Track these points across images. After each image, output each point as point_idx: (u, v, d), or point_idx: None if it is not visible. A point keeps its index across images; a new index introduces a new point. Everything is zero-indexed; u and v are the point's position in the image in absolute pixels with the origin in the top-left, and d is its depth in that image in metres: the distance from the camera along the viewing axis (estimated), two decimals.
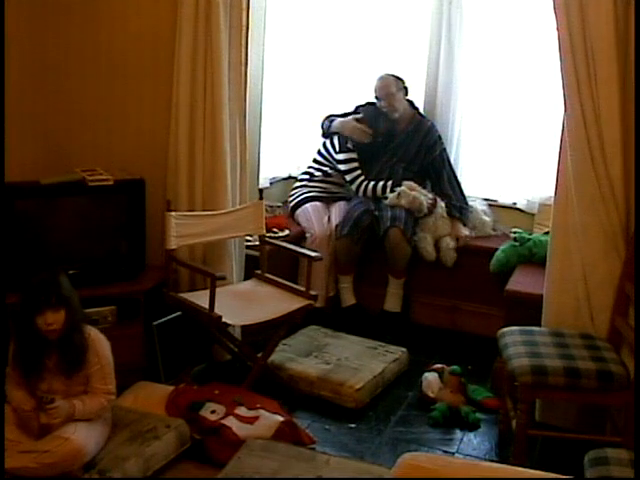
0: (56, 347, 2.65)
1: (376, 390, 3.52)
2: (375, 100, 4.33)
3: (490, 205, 4.39)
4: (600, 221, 2.95)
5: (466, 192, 4.35)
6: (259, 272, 3.68)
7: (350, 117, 4.37)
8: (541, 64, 4.04)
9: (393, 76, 4.29)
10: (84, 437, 2.59)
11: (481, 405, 3.41)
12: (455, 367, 3.50)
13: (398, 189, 4.18)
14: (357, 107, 4.45)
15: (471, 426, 3.27)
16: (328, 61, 4.68)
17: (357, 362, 3.61)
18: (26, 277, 2.70)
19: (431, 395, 3.46)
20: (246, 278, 3.74)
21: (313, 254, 3.61)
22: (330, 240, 4.26)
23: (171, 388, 3.21)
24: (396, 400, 3.51)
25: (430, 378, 3.53)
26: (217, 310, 3.16)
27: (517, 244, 3.87)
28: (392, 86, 4.26)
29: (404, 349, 3.81)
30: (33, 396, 2.63)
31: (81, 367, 2.67)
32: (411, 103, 4.38)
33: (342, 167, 4.41)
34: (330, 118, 4.46)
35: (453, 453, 3.10)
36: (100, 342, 2.75)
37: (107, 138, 3.74)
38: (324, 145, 4.49)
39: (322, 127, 4.47)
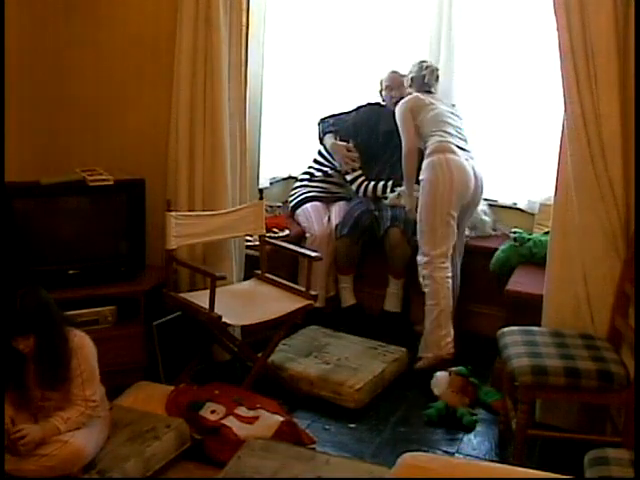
0: (32, 362, 2.58)
1: (376, 390, 3.51)
2: (384, 93, 4.29)
3: (490, 205, 4.37)
4: (600, 221, 2.94)
5: None
6: (259, 272, 3.68)
7: (342, 143, 4.36)
8: (541, 64, 4.04)
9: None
10: (83, 439, 2.58)
11: (491, 408, 3.40)
12: (461, 368, 3.51)
13: (398, 189, 4.18)
14: (358, 107, 4.45)
15: (464, 428, 3.26)
16: (328, 61, 4.67)
17: (357, 362, 3.61)
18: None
19: (436, 393, 3.46)
20: (246, 278, 3.74)
21: (313, 254, 3.61)
22: (330, 240, 4.26)
23: (171, 388, 3.21)
24: (396, 400, 3.51)
25: (440, 376, 3.53)
26: (217, 310, 3.16)
27: (517, 244, 3.86)
28: (402, 78, 4.26)
29: (404, 349, 3.81)
30: (27, 406, 2.60)
31: (63, 378, 2.59)
32: None
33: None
34: (325, 120, 4.45)
35: (453, 453, 3.10)
36: (83, 348, 2.64)
37: (107, 138, 3.74)
38: (324, 145, 4.49)
39: (318, 130, 4.48)
